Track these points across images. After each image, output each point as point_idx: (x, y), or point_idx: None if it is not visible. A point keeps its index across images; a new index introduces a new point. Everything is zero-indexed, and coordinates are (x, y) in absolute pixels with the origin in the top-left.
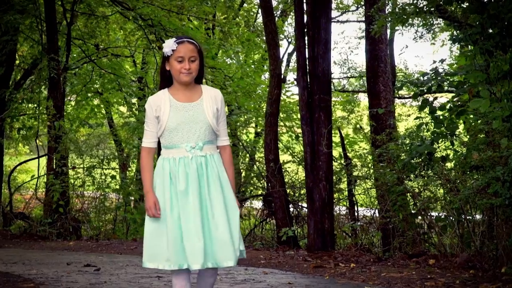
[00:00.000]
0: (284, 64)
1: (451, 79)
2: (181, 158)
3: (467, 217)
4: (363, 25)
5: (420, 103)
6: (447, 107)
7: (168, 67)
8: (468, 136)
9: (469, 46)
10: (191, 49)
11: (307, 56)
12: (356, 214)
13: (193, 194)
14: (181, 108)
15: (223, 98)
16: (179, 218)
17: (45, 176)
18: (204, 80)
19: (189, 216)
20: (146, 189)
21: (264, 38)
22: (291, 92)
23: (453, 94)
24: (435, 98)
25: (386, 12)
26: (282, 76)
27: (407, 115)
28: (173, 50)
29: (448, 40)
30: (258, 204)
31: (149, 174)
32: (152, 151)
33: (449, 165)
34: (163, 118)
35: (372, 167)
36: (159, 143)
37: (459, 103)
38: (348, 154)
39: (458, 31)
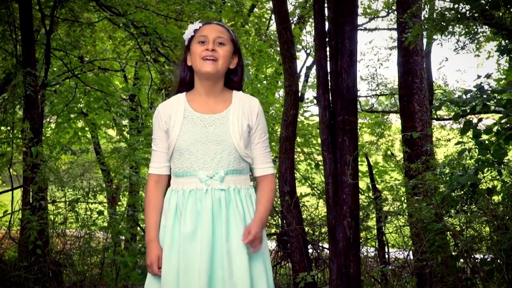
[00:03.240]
0: (301, 79)
1: (498, 97)
2: (192, 191)
3: None
4: (394, 34)
5: (462, 125)
6: (494, 130)
7: (189, 61)
8: None
9: None
10: (219, 30)
11: (329, 70)
12: (386, 256)
13: (202, 239)
14: (198, 121)
15: (262, 110)
16: (178, 272)
17: (20, 211)
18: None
19: (192, 270)
20: (149, 237)
21: (278, 49)
22: (310, 113)
23: (501, 115)
24: (480, 120)
25: (422, 18)
26: (300, 94)
27: (446, 140)
28: (195, 31)
29: (495, 51)
30: (271, 244)
31: (155, 214)
32: (162, 181)
33: (496, 198)
34: (172, 133)
35: (405, 201)
36: None
37: (508, 125)
38: (377, 185)
39: (506, 41)
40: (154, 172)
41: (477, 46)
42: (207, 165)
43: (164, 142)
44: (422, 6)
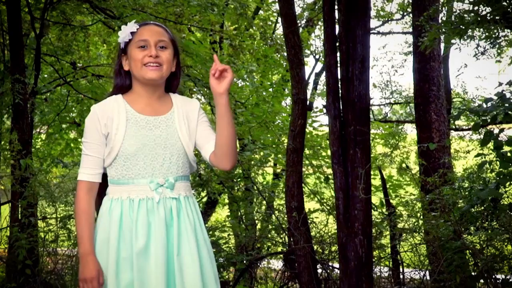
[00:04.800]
0: (310, 87)
1: None
2: (142, 201)
3: None
4: (410, 38)
5: (482, 136)
6: None
7: (126, 66)
8: None
9: None
10: (159, 32)
11: (339, 76)
12: (401, 276)
13: (157, 255)
14: (144, 124)
15: (201, 107)
16: None
17: (8, 228)
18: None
19: (148, 287)
20: (85, 250)
21: (285, 54)
22: (319, 123)
23: None
24: (501, 130)
25: (440, 21)
26: (308, 102)
27: (465, 152)
28: (132, 34)
29: None
30: (277, 264)
31: (90, 226)
32: (95, 189)
33: None
34: (116, 137)
35: (421, 217)
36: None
37: None
38: (391, 200)
39: None
40: (86, 179)
41: (499, 51)
42: (156, 172)
43: (100, 146)
44: (440, 8)
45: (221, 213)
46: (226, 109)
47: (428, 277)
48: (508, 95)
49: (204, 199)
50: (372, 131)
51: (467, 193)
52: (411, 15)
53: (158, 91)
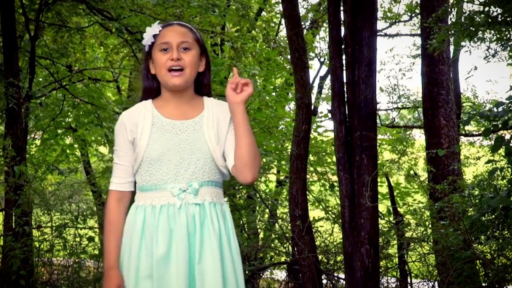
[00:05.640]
0: (315, 91)
1: None
2: (164, 207)
3: None
4: (418, 40)
5: (493, 142)
6: None
7: (153, 69)
8: None
9: None
10: (182, 33)
11: (345, 80)
12: (409, 287)
13: (178, 262)
14: (170, 128)
15: None
16: None
17: (2, 237)
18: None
19: None
20: (109, 263)
21: (289, 57)
22: (324, 128)
23: None
24: None
25: (449, 22)
26: (313, 107)
27: (476, 158)
28: (154, 37)
29: None
30: (280, 274)
31: (117, 238)
32: (125, 198)
33: None
34: (141, 142)
35: (430, 226)
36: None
37: None
38: (398, 209)
39: None
40: (116, 188)
41: (510, 53)
42: (180, 177)
43: (128, 154)
44: (449, 9)
45: None
46: (243, 117)
47: None
48: None
49: None
50: (379, 136)
51: (477, 201)
52: (419, 16)
53: (186, 94)
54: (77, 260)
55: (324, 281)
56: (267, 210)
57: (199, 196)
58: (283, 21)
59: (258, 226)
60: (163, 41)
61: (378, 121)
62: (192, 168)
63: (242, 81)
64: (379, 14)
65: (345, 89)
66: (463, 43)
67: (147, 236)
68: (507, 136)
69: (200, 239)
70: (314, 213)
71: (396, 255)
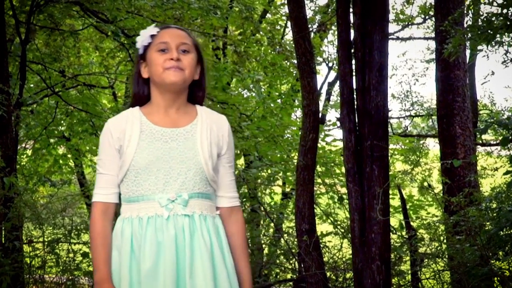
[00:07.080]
0: (323, 97)
1: None
2: (151, 218)
3: None
4: (432, 44)
5: (511, 152)
6: None
7: (145, 73)
8: None
9: None
10: (181, 35)
11: (354, 86)
12: None
13: (166, 276)
14: (159, 136)
15: (230, 128)
16: None
17: None
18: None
19: None
20: (101, 276)
21: (295, 61)
22: (333, 137)
23: None
24: None
25: (465, 25)
26: (320, 115)
27: (493, 169)
28: (152, 37)
29: None
30: None
31: (106, 250)
32: (110, 210)
33: None
34: (128, 150)
35: (445, 241)
36: None
37: None
38: (411, 223)
39: None
40: (101, 200)
41: None
42: (169, 187)
43: (114, 163)
44: (465, 12)
45: None
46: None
47: None
48: None
49: None
50: (391, 146)
51: (495, 214)
52: (433, 19)
53: (179, 100)
54: (70, 277)
55: None
56: (272, 224)
57: (189, 207)
58: (289, 23)
59: (262, 241)
60: (161, 41)
61: (389, 129)
62: (181, 179)
63: None
64: (391, 16)
65: (354, 95)
66: (480, 47)
67: (136, 249)
68: None
69: (191, 252)
70: (322, 227)
71: (409, 272)
